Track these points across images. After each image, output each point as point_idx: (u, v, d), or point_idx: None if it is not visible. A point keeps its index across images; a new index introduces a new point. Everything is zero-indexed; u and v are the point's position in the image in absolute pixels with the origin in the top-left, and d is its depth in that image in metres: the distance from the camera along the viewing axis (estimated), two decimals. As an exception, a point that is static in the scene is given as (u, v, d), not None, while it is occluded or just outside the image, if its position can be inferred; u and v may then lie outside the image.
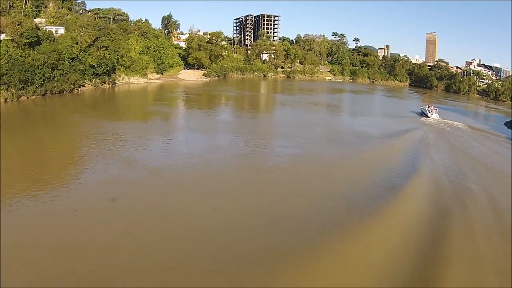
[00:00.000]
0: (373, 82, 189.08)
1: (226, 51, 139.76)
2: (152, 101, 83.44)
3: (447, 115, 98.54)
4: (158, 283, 19.05)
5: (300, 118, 73.62)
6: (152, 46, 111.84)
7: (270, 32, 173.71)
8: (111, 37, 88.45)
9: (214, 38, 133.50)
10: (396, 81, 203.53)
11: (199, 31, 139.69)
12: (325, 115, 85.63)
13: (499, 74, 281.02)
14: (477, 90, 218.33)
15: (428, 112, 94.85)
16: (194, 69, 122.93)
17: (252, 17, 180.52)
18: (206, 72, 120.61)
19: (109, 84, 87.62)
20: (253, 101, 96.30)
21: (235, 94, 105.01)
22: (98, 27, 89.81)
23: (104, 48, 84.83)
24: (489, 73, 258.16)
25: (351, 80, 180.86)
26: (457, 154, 54.51)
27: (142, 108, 71.67)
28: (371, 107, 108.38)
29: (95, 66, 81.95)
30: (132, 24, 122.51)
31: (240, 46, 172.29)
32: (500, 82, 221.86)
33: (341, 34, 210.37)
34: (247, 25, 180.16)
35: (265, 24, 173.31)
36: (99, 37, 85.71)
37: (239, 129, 59.15)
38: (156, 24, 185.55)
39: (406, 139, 63.06)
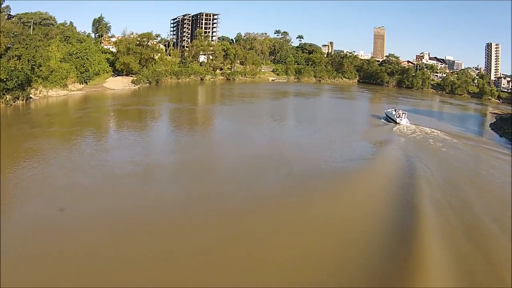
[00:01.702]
0: (320, 80, 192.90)
1: (159, 54, 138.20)
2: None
3: (417, 119, 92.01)
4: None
5: (237, 152, 52.75)
6: (74, 52, 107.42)
7: (209, 32, 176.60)
8: (26, 44, 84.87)
9: (144, 40, 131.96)
10: (344, 79, 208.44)
11: (132, 33, 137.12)
12: (268, 136, 65.35)
13: (452, 66, 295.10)
14: (431, 84, 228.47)
15: (396, 117, 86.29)
16: (123, 75, 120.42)
17: (189, 17, 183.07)
18: (135, 78, 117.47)
19: (22, 99, 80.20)
20: (176, 124, 73.56)
21: (156, 109, 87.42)
22: (13, 34, 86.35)
23: (16, 58, 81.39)
24: (442, 66, 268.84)
25: (296, 80, 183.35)
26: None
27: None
28: (324, 115, 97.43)
29: (5, 80, 75.97)
30: (55, 28, 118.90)
31: (177, 48, 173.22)
32: (456, 75, 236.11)
33: (284, 32, 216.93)
34: (185, 25, 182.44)
35: (204, 24, 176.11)
36: (13, 45, 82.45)
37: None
38: (88, 27, 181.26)
39: (385, 173, 48.27)
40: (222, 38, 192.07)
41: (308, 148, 57.57)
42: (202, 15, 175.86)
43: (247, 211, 32.86)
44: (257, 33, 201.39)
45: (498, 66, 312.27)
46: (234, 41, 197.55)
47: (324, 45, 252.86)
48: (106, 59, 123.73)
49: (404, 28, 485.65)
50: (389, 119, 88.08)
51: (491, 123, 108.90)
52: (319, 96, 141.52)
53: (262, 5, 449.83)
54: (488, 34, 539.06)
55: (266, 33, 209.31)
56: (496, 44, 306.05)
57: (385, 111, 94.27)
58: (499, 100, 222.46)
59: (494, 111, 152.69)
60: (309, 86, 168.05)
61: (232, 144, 57.36)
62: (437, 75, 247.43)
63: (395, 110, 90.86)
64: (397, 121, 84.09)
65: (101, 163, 43.30)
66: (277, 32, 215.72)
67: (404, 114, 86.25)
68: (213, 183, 39.52)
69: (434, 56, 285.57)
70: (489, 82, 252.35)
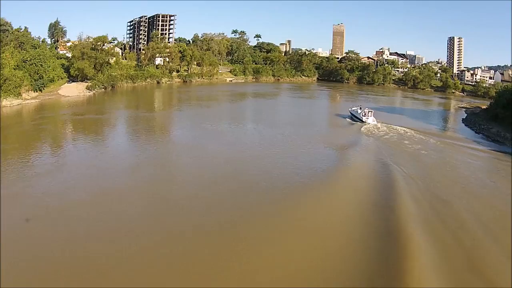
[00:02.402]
0: (278, 79, 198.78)
1: (114, 58, 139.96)
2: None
3: (384, 116, 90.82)
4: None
5: (195, 170, 47.34)
6: (28, 59, 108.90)
7: (165, 34, 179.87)
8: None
9: (99, 43, 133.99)
10: (303, 77, 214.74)
11: (88, 37, 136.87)
12: (226, 147, 58.88)
13: (413, 61, 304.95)
14: (392, 79, 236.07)
15: (362, 115, 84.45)
16: (78, 81, 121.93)
17: (146, 18, 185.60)
18: (90, 84, 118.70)
19: (-27, 112, 79.62)
20: (130, 136, 68.30)
21: (110, 118, 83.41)
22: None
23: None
24: (403, 61, 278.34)
25: (254, 80, 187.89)
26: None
27: None
28: (286, 118, 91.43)
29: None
30: (10, 34, 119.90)
31: (134, 51, 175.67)
32: (418, 70, 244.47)
33: (241, 31, 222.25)
34: (141, 28, 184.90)
35: (160, 25, 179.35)
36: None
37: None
38: (44, 33, 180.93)
39: (358, 188, 43.11)
40: (179, 40, 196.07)
41: (271, 160, 51.36)
42: (159, 17, 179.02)
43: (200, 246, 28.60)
44: (214, 33, 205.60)
45: (461, 60, 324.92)
46: (191, 42, 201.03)
47: (282, 44, 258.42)
48: (61, 64, 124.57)
49: (363, 25, 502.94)
50: (355, 118, 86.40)
51: (463, 119, 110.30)
52: (279, 97, 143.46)
53: (219, 5, 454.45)
54: (449, 28, 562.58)
55: (223, 33, 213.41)
56: (459, 38, 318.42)
57: (350, 109, 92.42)
58: (463, 93, 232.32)
59: (462, 105, 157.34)
60: (268, 86, 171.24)
61: (189, 161, 51.37)
62: (398, 70, 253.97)
63: (360, 108, 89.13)
64: (364, 120, 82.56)
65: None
66: (235, 32, 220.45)
67: (370, 112, 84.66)
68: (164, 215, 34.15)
69: (395, 52, 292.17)
70: (452, 76, 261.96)
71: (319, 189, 42.00)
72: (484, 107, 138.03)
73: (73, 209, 33.94)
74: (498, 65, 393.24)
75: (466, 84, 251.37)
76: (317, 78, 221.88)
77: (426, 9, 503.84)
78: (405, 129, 78.76)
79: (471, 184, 47.05)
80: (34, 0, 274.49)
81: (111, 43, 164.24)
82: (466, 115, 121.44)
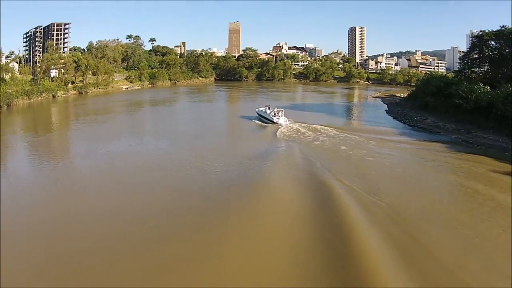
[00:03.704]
0: (175, 83, 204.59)
1: (10, 74, 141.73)
2: None
3: (296, 115, 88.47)
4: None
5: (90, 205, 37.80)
6: None
7: (60, 43, 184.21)
8: None
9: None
10: (201, 78, 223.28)
11: None
12: (122, 171, 50.00)
13: (313, 54, 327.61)
14: (293, 74, 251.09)
15: (272, 116, 79.54)
16: None
17: (41, 28, 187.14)
18: None
19: None
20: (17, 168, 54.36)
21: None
22: None
23: None
24: (303, 54, 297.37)
25: (150, 85, 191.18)
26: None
27: None
28: (188, 127, 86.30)
29: None
30: None
31: (30, 64, 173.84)
32: (320, 62, 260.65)
33: (136, 36, 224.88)
34: (37, 39, 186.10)
35: (55, 35, 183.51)
36: None
37: None
38: None
39: (287, 211, 36.20)
40: (74, 49, 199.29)
41: (174, 183, 44.44)
42: (54, 26, 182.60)
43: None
44: (109, 40, 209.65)
45: (363, 49, 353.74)
46: (86, 50, 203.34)
47: (177, 46, 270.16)
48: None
49: (259, 21, 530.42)
50: (264, 119, 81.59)
51: (386, 111, 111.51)
52: (177, 103, 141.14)
53: (112, 9, 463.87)
54: (349, 18, 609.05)
55: (118, 39, 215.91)
56: (361, 28, 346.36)
57: (257, 110, 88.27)
58: (368, 82, 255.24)
59: (376, 95, 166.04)
60: (165, 91, 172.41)
61: (82, 197, 40.40)
62: (298, 64, 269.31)
63: (269, 108, 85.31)
64: (275, 121, 77.60)
65: None
66: (129, 37, 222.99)
67: (281, 112, 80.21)
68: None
69: (294, 45, 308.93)
70: (356, 65, 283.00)
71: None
72: (400, 95, 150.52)
73: None
74: (400, 51, 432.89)
75: (371, 72, 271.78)
76: (215, 78, 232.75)
77: (322, 1, 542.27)
78: (326, 127, 74.34)
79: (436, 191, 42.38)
80: None
81: (9, 58, 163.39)
82: (386, 106, 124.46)
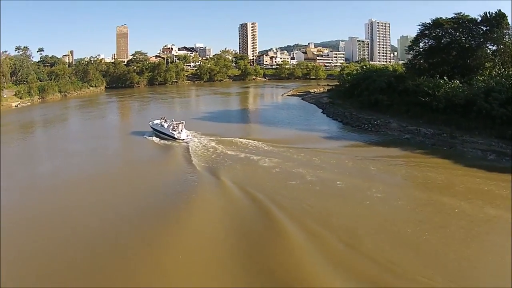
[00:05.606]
0: (66, 95, 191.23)
1: None
2: None
3: (201, 126, 76.51)
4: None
5: None
6: None
7: None
8: None
9: None
10: (91, 88, 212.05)
11: None
12: None
13: (204, 53, 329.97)
14: (186, 76, 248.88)
15: (171, 130, 66.51)
16: None
17: None
18: None
19: None
20: None
21: None
22: None
23: None
24: (193, 54, 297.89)
25: (40, 100, 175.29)
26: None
27: None
28: (79, 159, 61.61)
29: None
30: None
31: None
32: (213, 62, 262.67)
33: (24, 47, 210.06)
34: None
35: None
36: None
37: None
38: None
39: None
40: None
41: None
42: None
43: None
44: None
45: (255, 45, 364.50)
46: None
47: (65, 55, 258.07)
48: None
49: (146, 24, 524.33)
50: (162, 135, 68.28)
51: (323, 112, 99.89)
52: (67, 123, 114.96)
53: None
54: (234, 17, 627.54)
55: (6, 51, 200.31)
56: (253, 23, 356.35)
57: (151, 124, 73.86)
58: (265, 78, 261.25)
59: (290, 93, 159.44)
60: (56, 106, 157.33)
61: None
62: (190, 65, 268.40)
63: (165, 120, 71.95)
64: (176, 137, 64.96)
65: None
66: (18, 48, 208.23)
67: (181, 125, 67.95)
68: None
69: (183, 46, 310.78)
70: (251, 62, 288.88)
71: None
72: (314, 91, 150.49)
73: None
74: (288, 45, 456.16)
75: (266, 68, 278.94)
76: (105, 87, 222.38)
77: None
78: (252, 141, 60.86)
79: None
80: None
81: None
82: (315, 106, 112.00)
